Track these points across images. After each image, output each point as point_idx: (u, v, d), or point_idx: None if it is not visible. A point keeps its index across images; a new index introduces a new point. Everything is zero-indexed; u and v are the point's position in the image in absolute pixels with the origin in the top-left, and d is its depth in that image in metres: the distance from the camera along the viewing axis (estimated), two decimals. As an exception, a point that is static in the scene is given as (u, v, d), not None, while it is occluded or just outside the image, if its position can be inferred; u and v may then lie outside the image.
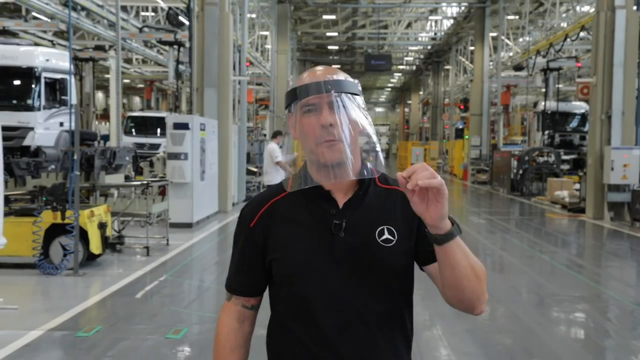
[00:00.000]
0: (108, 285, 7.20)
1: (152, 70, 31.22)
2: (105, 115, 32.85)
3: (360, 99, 1.62)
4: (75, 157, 7.53)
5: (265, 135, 29.46)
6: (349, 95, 1.59)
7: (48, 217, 7.66)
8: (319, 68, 1.66)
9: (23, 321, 5.68)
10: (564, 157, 21.21)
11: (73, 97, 14.77)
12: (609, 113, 13.81)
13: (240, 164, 16.73)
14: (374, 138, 1.61)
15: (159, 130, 25.07)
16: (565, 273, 8.77)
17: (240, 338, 1.72)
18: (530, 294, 7.70)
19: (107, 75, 33.80)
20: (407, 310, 1.68)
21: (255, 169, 19.57)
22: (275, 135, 11.48)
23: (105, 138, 20.80)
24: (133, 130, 23.85)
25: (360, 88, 1.64)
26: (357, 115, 1.59)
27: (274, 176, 10.69)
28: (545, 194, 18.77)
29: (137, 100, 39.08)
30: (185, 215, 11.80)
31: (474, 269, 1.52)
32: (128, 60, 29.12)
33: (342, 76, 1.62)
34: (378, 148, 1.62)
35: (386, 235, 1.61)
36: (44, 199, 8.04)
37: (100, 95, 34.88)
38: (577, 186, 16.71)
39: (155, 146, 22.99)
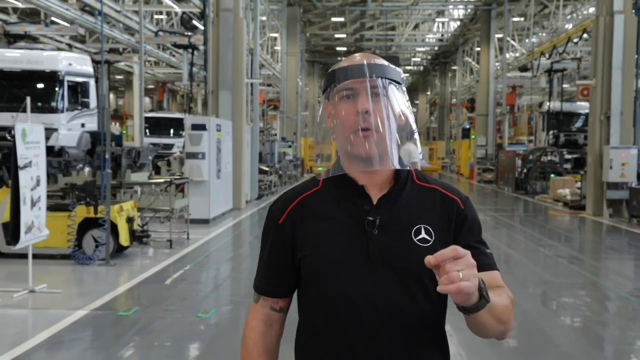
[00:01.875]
0: (138, 274, 7.86)
1: (164, 72, 31.89)
2: (115, 116, 33.57)
3: (402, 89, 1.53)
4: (107, 156, 8.17)
5: (275, 135, 30.13)
6: (391, 82, 1.50)
7: (82, 212, 8.32)
8: (359, 53, 1.56)
9: (68, 302, 6.34)
10: (567, 157, 21.70)
11: (94, 100, 15.48)
12: (608, 114, 14.36)
13: (253, 164, 17.33)
14: (415, 131, 1.54)
15: (172, 131, 25.77)
16: (564, 266, 9.35)
17: (268, 342, 1.62)
18: (531, 284, 8.26)
19: (118, 77, 34.63)
20: (443, 316, 1.58)
21: (266, 168, 20.16)
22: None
23: (117, 139, 21.45)
24: (147, 130, 24.50)
25: (403, 77, 1.55)
26: (397, 104, 1.49)
27: None
28: (548, 192, 19.32)
29: (146, 100, 39.81)
30: (203, 211, 12.42)
31: (500, 319, 1.46)
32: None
33: (384, 62, 1.52)
34: (418, 142, 1.54)
35: (423, 235, 1.51)
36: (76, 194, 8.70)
37: (110, 96, 35.63)
38: (579, 184, 17.27)
39: (169, 146, 23.65)
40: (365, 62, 1.49)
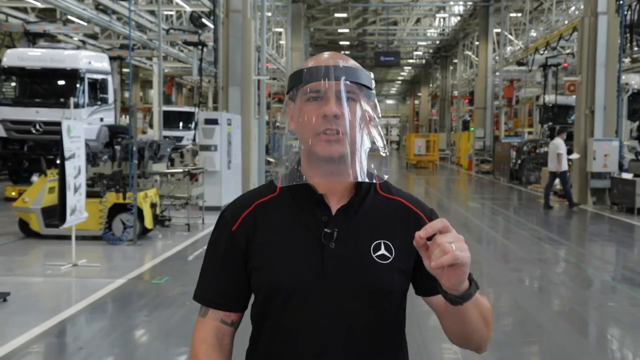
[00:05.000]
0: (162, 252, 8.95)
1: (172, 67, 32.86)
2: (125, 109, 34.59)
3: (372, 94, 1.44)
4: (134, 148, 9.23)
5: (281, 127, 31.03)
6: (361, 87, 1.41)
7: (111, 198, 9.38)
8: (328, 52, 1.46)
9: (107, 274, 7.45)
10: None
11: (112, 96, 16.51)
12: (592, 108, 15.34)
13: (260, 155, 18.31)
14: (381, 140, 1.42)
15: (181, 124, 26.83)
16: (541, 246, 10.38)
17: (222, 355, 1.49)
18: (512, 261, 9.30)
19: (125, 70, 35.63)
20: (400, 336, 1.50)
21: (273, 160, 21.10)
22: (560, 131, 15.41)
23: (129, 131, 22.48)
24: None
25: (373, 82, 1.45)
26: (367, 110, 1.41)
27: (556, 165, 14.46)
28: (540, 182, 20.30)
29: (155, 94, 40.74)
30: (215, 199, 13.46)
31: (484, 318, 1.41)
32: (150, 57, 30.88)
33: (355, 65, 1.43)
34: (385, 152, 1.43)
35: (382, 251, 1.43)
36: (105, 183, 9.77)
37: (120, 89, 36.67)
38: (568, 174, 18.27)
39: (179, 139, 24.71)
40: (334, 64, 1.39)
